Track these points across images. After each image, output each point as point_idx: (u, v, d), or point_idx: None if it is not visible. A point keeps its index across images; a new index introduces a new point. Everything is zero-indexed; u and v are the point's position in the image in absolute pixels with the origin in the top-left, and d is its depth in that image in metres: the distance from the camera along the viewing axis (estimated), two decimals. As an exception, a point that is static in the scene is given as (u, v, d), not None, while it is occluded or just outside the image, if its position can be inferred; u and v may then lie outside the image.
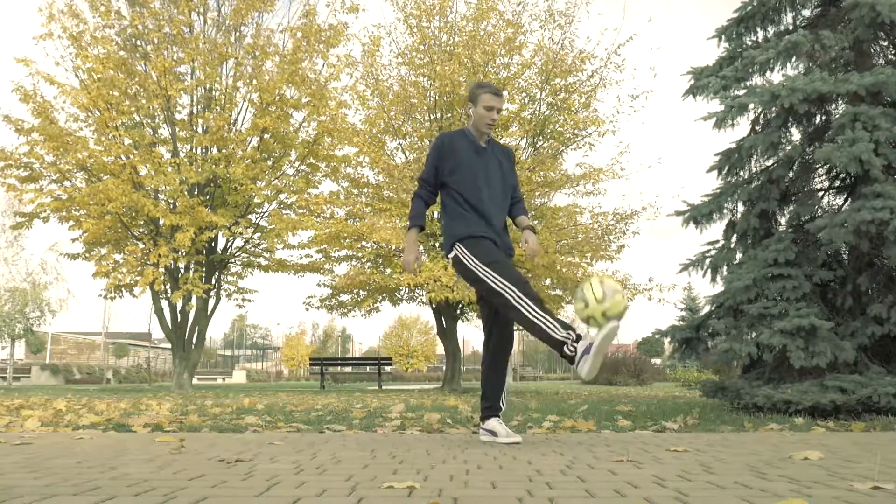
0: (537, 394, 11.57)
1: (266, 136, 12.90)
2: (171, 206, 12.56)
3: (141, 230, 12.96)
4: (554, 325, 2.86)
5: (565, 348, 2.82)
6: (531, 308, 2.89)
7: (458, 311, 14.41)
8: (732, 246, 6.31)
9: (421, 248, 3.42)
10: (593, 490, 1.79)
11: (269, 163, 13.34)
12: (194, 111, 13.12)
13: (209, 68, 12.29)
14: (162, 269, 12.12)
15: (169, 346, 16.19)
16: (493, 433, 3.19)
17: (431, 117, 13.33)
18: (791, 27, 6.51)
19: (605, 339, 2.76)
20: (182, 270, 12.95)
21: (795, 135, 6.30)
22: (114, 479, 1.96)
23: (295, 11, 24.13)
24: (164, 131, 13.30)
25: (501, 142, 13.40)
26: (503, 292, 2.95)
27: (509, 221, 3.49)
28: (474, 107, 3.31)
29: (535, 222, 14.02)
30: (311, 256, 14.09)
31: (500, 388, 3.29)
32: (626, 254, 17.13)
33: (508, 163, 3.43)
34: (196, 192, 12.71)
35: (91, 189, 11.53)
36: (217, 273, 13.69)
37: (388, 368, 21.61)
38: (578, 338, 2.83)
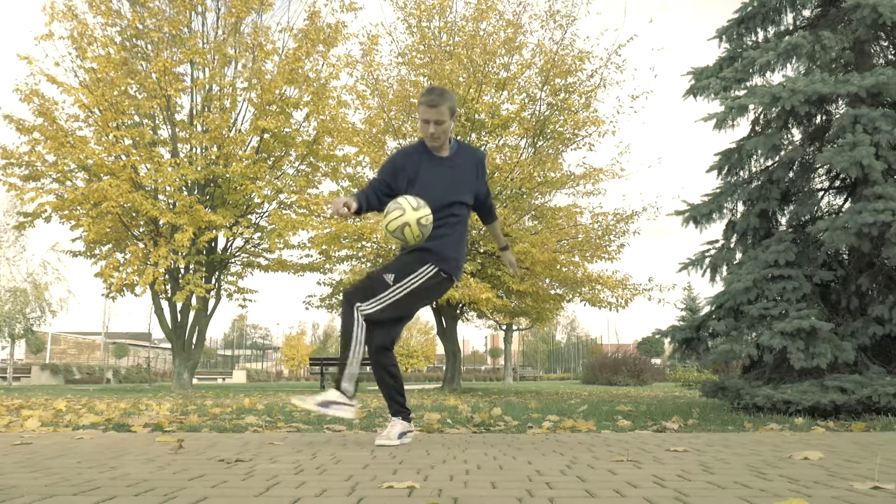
0: (537, 394, 11.57)
1: (266, 135, 12.89)
2: (171, 206, 12.56)
3: (141, 230, 12.96)
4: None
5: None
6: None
7: (458, 311, 14.41)
8: (732, 246, 6.30)
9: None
10: (593, 490, 1.79)
11: (269, 162, 13.34)
12: (195, 111, 13.11)
13: (209, 68, 12.29)
14: (162, 270, 12.11)
15: (169, 346, 16.19)
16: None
17: (431, 117, 13.30)
18: (791, 27, 6.51)
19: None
20: (182, 271, 12.94)
21: (796, 135, 6.29)
22: (114, 479, 1.96)
23: (295, 11, 24.17)
24: (164, 132, 13.30)
25: (501, 142, 13.41)
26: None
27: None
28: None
29: (535, 222, 14.01)
30: (312, 256, 14.09)
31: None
32: (626, 254, 17.08)
33: (473, 168, 3.14)
34: (195, 192, 12.71)
35: (88, 189, 11.53)
36: (217, 273, 13.68)
37: (388, 368, 21.52)
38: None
